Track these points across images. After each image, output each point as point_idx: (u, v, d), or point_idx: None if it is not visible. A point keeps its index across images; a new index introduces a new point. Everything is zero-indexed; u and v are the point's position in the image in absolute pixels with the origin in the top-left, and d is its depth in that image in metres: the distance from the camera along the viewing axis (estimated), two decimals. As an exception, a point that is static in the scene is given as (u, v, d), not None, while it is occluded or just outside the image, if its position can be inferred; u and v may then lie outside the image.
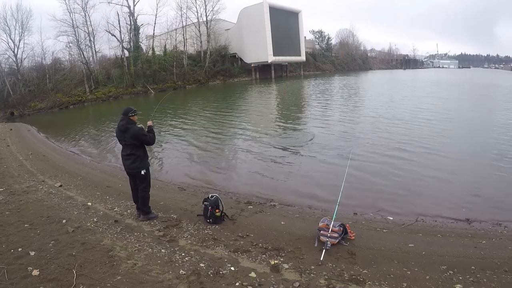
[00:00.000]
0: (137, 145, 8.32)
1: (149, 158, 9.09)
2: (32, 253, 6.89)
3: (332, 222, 7.48)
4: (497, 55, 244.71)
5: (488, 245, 7.61)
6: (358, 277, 6.19)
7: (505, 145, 16.19)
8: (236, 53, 76.75)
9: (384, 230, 8.43)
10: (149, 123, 8.64)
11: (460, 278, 6.19)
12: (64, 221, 8.63)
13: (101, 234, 7.91)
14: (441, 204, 10.29)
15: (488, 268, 6.50)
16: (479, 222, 9.03)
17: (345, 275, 6.28)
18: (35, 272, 6.15)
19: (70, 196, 10.82)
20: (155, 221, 8.69)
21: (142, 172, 8.43)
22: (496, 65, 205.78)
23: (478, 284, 6.00)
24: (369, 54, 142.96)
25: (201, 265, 6.55)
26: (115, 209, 9.55)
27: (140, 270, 6.32)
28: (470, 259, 6.92)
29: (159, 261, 6.66)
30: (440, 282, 6.08)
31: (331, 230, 7.33)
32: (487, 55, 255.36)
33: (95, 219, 8.77)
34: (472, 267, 6.55)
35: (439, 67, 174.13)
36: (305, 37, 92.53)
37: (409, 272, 6.40)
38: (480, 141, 17.17)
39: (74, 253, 6.87)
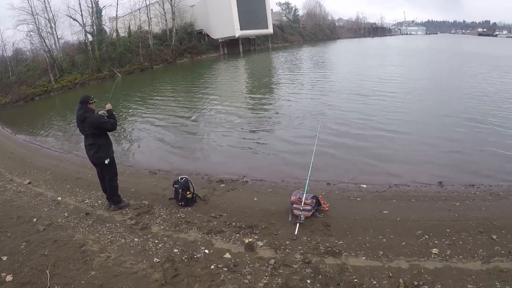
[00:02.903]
0: (98, 134, 8.07)
1: (119, 144, 8.91)
2: (4, 258, 6.70)
3: (304, 194, 7.47)
4: (464, 21, 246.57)
5: (462, 207, 7.74)
6: (334, 249, 6.22)
7: (469, 108, 16.76)
8: (202, 29, 74.98)
9: (358, 199, 8.52)
10: (108, 106, 8.29)
11: (436, 242, 6.28)
12: (34, 219, 8.41)
13: (73, 229, 7.75)
14: (413, 169, 10.52)
15: (463, 230, 6.61)
16: (452, 185, 9.19)
17: (321, 247, 6.30)
18: (9, 278, 5.99)
19: (39, 192, 10.58)
20: (126, 209, 8.56)
21: (106, 162, 8.20)
22: (463, 31, 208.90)
23: (454, 247, 6.09)
24: (336, 24, 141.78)
25: (175, 250, 6.50)
26: (85, 201, 9.38)
27: (114, 262, 6.23)
28: (445, 222, 7.03)
29: (132, 251, 6.58)
30: (416, 247, 6.15)
31: (304, 203, 7.34)
32: (454, 21, 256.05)
33: (65, 214, 8.59)
34: (448, 230, 6.65)
35: (406, 34, 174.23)
36: (272, 9, 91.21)
37: (384, 240, 6.46)
38: (445, 106, 17.70)
39: (46, 253, 6.72)
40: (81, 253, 6.63)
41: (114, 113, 8.41)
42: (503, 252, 5.89)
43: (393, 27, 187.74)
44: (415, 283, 5.22)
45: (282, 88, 27.69)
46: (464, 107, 16.96)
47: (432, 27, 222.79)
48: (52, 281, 5.76)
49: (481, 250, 5.97)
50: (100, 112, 8.15)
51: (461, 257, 5.81)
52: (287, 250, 6.27)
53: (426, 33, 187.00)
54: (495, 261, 5.65)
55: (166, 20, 68.46)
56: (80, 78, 49.50)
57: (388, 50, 63.83)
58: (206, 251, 6.42)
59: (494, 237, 6.33)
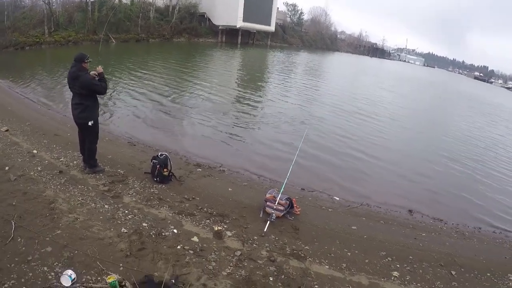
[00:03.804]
0: (86, 95, 7.93)
1: (101, 109, 8.84)
2: (-30, 202, 6.60)
3: (280, 194, 7.56)
4: (463, 61, 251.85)
5: (427, 238, 8.00)
6: (300, 253, 6.33)
7: (451, 148, 17.18)
8: (205, 12, 74.01)
9: (330, 210, 8.68)
10: (99, 68, 8.13)
11: (398, 266, 6.49)
12: (7, 168, 8.27)
13: (44, 184, 7.66)
14: (387, 192, 10.76)
15: (425, 260, 6.85)
16: (421, 215, 9.50)
17: (287, 249, 6.41)
18: (-28, 223, 5.88)
19: (15, 142, 10.37)
20: (101, 174, 8.49)
21: (90, 123, 8.08)
22: (460, 71, 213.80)
23: (414, 274, 6.30)
24: (338, 36, 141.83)
25: (144, 224, 6.50)
26: (61, 159, 9.24)
27: (81, 225, 6.19)
28: (409, 249, 7.26)
29: (101, 217, 6.55)
30: (378, 267, 6.33)
31: (278, 203, 7.43)
32: (453, 59, 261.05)
33: (39, 168, 8.46)
34: (410, 257, 6.88)
35: (405, 61, 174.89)
36: (278, 8, 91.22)
37: (349, 254, 6.63)
38: (429, 141, 18.17)
39: (14, 203, 6.62)
40: (49, 209, 6.57)
41: (105, 76, 8.28)
42: (459, 288, 6.08)
43: (393, 51, 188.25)
44: (373, 300, 5.36)
45: (274, 88, 27.63)
46: (447, 146, 17.36)
47: (431, 60, 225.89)
48: (16, 233, 5.69)
49: (439, 282, 6.18)
50: (91, 73, 8.03)
51: (419, 285, 6.01)
52: (254, 245, 6.35)
53: (424, 65, 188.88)
54: (450, 296, 5.83)
55: (171, -4, 67.74)
56: (75, 36, 48.43)
57: (385, 73, 64.50)
58: (175, 230, 6.44)
59: (453, 273, 6.57)
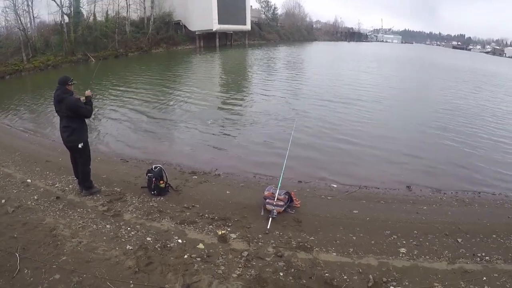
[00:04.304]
0: (73, 117, 7.89)
1: (90, 130, 8.83)
2: (-28, 239, 6.53)
3: (278, 190, 7.60)
4: (439, 33, 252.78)
5: (429, 210, 8.12)
6: (306, 244, 6.38)
7: (440, 117, 17.65)
8: (180, 20, 73.81)
9: (329, 198, 8.74)
10: (88, 93, 8.14)
11: (404, 242, 6.56)
12: (3, 201, 8.21)
13: (43, 212, 7.61)
14: (383, 173, 10.89)
15: (430, 233, 6.94)
16: (420, 190, 9.61)
17: (293, 242, 6.45)
18: (-24, 260, 5.82)
19: (8, 173, 10.29)
20: (98, 195, 8.45)
21: (79, 146, 8.06)
22: (438, 43, 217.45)
23: (421, 248, 6.38)
24: (314, 26, 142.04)
25: (148, 239, 6.50)
26: (56, 185, 9.18)
27: (86, 248, 6.18)
28: (413, 224, 7.35)
29: (104, 238, 6.53)
30: (385, 246, 6.40)
31: (277, 199, 7.48)
32: (430, 32, 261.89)
33: (35, 197, 8.41)
34: (415, 232, 6.97)
35: (382, 41, 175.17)
36: (251, 6, 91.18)
37: (354, 238, 6.68)
38: (415, 117, 18.29)
39: (15, 235, 6.58)
40: (51, 237, 6.54)
41: (92, 100, 8.27)
42: (467, 254, 6.19)
43: (370, 33, 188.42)
44: (384, 279, 5.43)
45: (255, 87, 27.64)
46: (433, 120, 17.52)
47: (408, 37, 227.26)
48: (22, 264, 5.65)
49: (446, 251, 6.25)
50: (76, 96, 7.99)
51: (427, 257, 6.08)
52: (260, 243, 6.39)
53: (402, 42, 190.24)
54: (460, 262, 5.93)
55: (144, 8, 67.39)
56: (53, 60, 47.99)
57: (363, 56, 64.78)
58: (180, 240, 6.45)
59: (459, 240, 6.66)
